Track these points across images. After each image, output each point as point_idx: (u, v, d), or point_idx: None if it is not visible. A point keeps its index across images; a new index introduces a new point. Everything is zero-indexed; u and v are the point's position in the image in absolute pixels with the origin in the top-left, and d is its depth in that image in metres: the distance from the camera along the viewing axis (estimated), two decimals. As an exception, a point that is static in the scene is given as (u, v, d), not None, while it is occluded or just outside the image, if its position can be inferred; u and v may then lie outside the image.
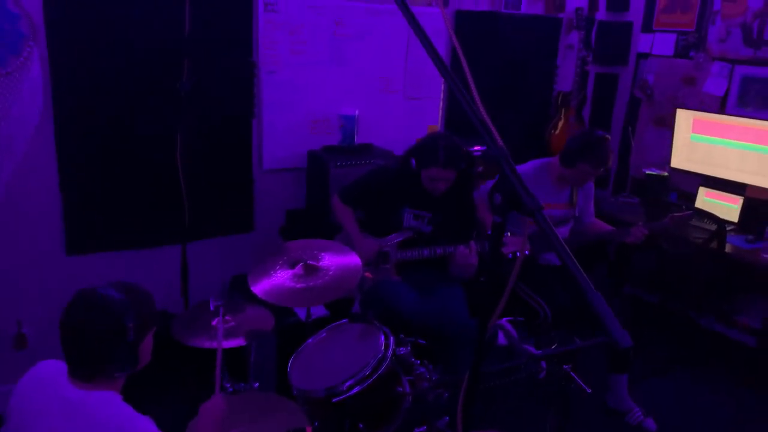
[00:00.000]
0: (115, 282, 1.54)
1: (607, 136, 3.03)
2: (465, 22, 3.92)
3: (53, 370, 1.55)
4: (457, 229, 2.75)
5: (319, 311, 2.91)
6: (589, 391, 1.42)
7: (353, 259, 2.35)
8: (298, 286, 2.21)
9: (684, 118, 4.04)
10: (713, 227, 3.59)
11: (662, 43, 4.28)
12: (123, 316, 1.47)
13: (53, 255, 2.95)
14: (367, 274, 2.62)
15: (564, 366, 1.46)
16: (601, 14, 4.43)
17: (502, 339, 2.79)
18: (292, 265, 2.31)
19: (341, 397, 1.91)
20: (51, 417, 1.47)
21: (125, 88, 2.90)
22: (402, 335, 2.16)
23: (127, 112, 2.93)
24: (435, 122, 4.00)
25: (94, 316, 1.47)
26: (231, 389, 2.26)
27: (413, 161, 2.71)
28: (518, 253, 1.17)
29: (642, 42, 4.40)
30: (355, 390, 1.91)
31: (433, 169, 2.64)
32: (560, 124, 4.37)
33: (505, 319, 2.62)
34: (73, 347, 1.49)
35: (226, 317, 2.25)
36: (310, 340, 2.24)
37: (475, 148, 3.85)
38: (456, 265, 2.68)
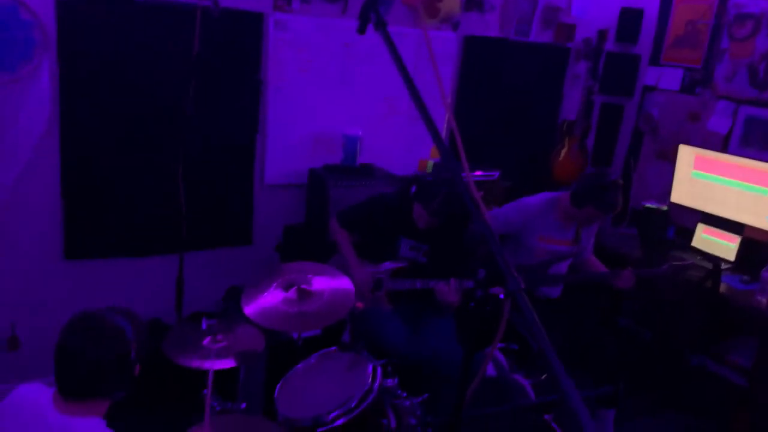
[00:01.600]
0: (115, 308, 1.58)
1: (620, 181, 2.99)
2: (473, 48, 3.94)
3: (34, 396, 1.54)
4: (451, 265, 2.76)
5: (310, 331, 2.92)
6: (570, 443, 1.43)
7: (347, 285, 2.36)
8: (291, 310, 2.22)
9: (686, 154, 4.06)
10: (709, 266, 3.60)
11: (669, 78, 4.30)
12: (130, 344, 1.52)
13: (52, 258, 2.97)
14: (358, 304, 2.63)
15: (545, 416, 1.46)
16: (610, 45, 4.46)
17: (491, 369, 2.81)
18: (286, 288, 2.33)
19: (326, 428, 1.92)
20: None
21: (131, 101, 2.93)
22: (390, 368, 2.17)
23: (132, 125, 2.96)
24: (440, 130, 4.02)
25: (103, 342, 1.50)
26: (218, 408, 2.28)
27: (413, 188, 2.73)
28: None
29: (649, 75, 4.42)
30: (341, 421, 1.93)
31: (421, 209, 2.67)
32: (564, 151, 4.39)
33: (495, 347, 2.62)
34: (72, 369, 1.49)
35: (218, 336, 2.27)
36: (299, 366, 2.25)
37: (477, 173, 3.88)
38: (438, 300, 2.68)
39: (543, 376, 3.29)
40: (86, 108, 2.84)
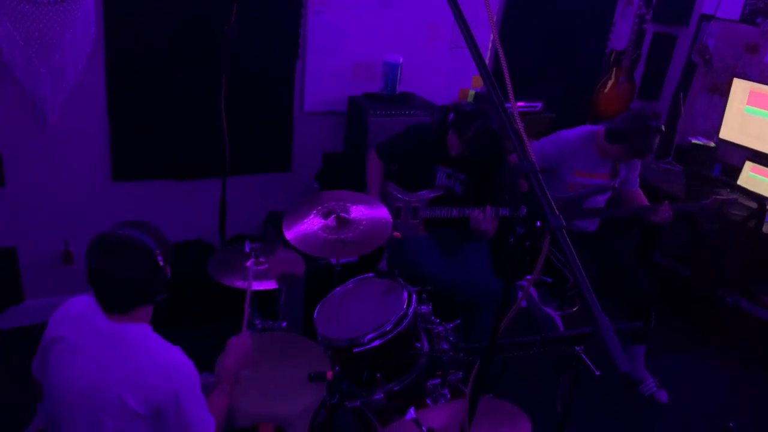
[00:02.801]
0: (126, 222, 1.60)
1: (661, 127, 2.93)
2: (521, -29, 3.77)
3: (84, 305, 1.62)
4: (487, 194, 2.76)
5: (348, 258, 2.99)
6: (599, 373, 1.48)
7: (384, 215, 2.41)
8: (330, 237, 2.29)
9: (740, 89, 3.89)
10: (754, 205, 3.52)
11: (729, 6, 4.06)
12: (153, 252, 1.56)
13: (100, 180, 3.08)
14: (396, 234, 2.67)
15: (576, 348, 1.51)
16: (667, -31, 4.20)
17: (522, 301, 2.86)
18: (326, 216, 2.38)
19: (362, 348, 2.01)
20: (86, 349, 1.56)
21: (174, 26, 2.93)
22: (424, 295, 2.24)
23: (176, 49, 2.97)
24: (484, 56, 3.93)
25: (128, 258, 1.54)
26: (260, 326, 2.40)
27: (451, 116, 2.71)
28: None
29: (707, 2, 4.18)
30: (376, 343, 2.01)
31: (454, 138, 2.64)
32: (610, 83, 4.25)
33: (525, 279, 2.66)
34: (107, 289, 1.56)
35: (260, 259, 2.36)
36: (337, 289, 2.34)
37: (518, 104, 3.80)
38: (472, 228, 2.70)
39: (574, 309, 3.35)
40: (130, 31, 2.85)
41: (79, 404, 1.54)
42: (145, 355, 1.55)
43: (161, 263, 1.57)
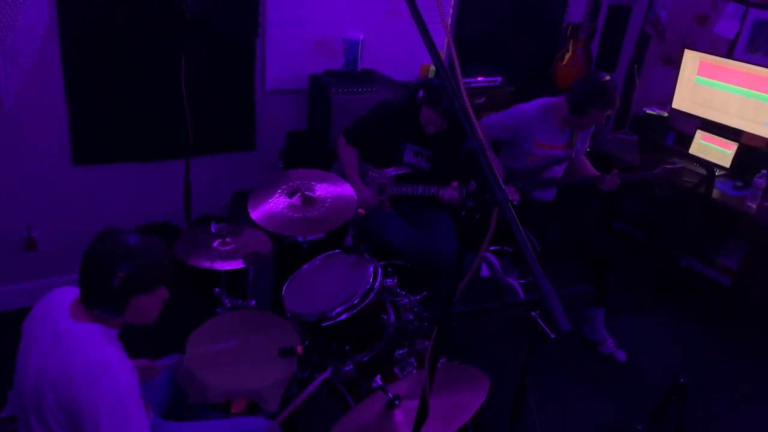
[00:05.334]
0: (143, 232, 1.58)
1: (608, 77, 3.08)
2: (479, -55, 3.80)
3: (62, 298, 1.60)
4: (452, 171, 2.83)
5: (314, 235, 3.04)
6: (553, 336, 1.57)
7: (349, 192, 2.45)
8: (296, 215, 2.33)
9: (691, 59, 4.01)
10: (704, 172, 3.68)
11: (680, -22, 4.16)
12: (118, 261, 1.49)
13: (60, 164, 3.04)
14: (360, 210, 2.72)
15: (532, 313, 1.59)
16: (621, -58, 4.27)
17: (485, 270, 2.96)
18: (291, 195, 2.42)
19: (330, 322, 2.08)
20: (41, 342, 1.53)
21: (131, 4, 2.88)
22: (390, 269, 2.30)
23: (133, 29, 2.93)
24: (441, 48, 3.97)
25: (97, 251, 1.52)
26: (229, 305, 2.44)
27: (420, 93, 2.75)
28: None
29: (659, -25, 4.27)
30: (344, 316, 2.08)
31: (431, 112, 2.69)
32: (567, 56, 4.33)
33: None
34: (80, 274, 1.54)
35: (227, 239, 2.40)
36: (305, 266, 2.39)
37: (479, 78, 3.87)
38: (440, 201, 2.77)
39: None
40: (84, 11, 2.80)
41: (29, 397, 1.53)
42: (83, 359, 1.46)
43: (115, 282, 1.49)
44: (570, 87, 3.18)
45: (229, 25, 3.18)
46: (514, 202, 2.66)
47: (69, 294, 1.62)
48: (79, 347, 1.49)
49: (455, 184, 2.69)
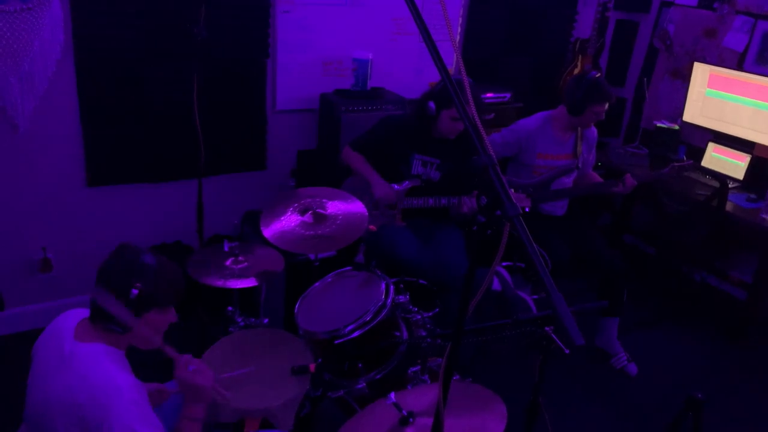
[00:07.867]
0: (156, 252, 1.59)
1: (598, 74, 3.14)
2: (485, -36, 3.84)
3: (68, 322, 1.60)
4: (464, 179, 2.82)
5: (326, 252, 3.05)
6: (568, 352, 1.55)
7: (360, 209, 2.46)
8: (308, 233, 2.34)
9: (700, 72, 4.01)
10: (716, 184, 3.66)
11: (687, -8, 4.17)
12: (137, 273, 1.51)
13: (74, 186, 3.08)
14: (371, 227, 2.73)
15: (546, 328, 1.58)
16: (627, -42, 4.30)
17: (496, 284, 2.95)
18: (302, 213, 2.43)
19: (343, 340, 2.07)
20: (47, 365, 1.54)
21: (144, 29, 2.94)
22: (402, 285, 2.30)
23: (146, 52, 2.98)
24: (449, 66, 4.00)
25: (117, 262, 1.54)
26: (242, 324, 2.44)
27: (431, 104, 2.76)
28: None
29: (666, -11, 4.29)
30: (356, 334, 2.07)
31: (448, 116, 2.70)
32: (575, 71, 4.34)
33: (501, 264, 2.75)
34: (95, 285, 1.53)
35: (239, 258, 2.41)
36: (316, 284, 2.39)
37: (488, 95, 3.88)
38: (458, 213, 2.77)
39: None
40: (99, 35, 2.86)
41: (38, 419, 1.53)
42: (89, 383, 1.45)
43: (131, 295, 1.50)
44: (564, 90, 3.21)
45: (240, 47, 3.23)
46: (526, 209, 2.66)
47: (75, 316, 1.62)
48: (86, 370, 1.48)
49: (475, 192, 2.69)
